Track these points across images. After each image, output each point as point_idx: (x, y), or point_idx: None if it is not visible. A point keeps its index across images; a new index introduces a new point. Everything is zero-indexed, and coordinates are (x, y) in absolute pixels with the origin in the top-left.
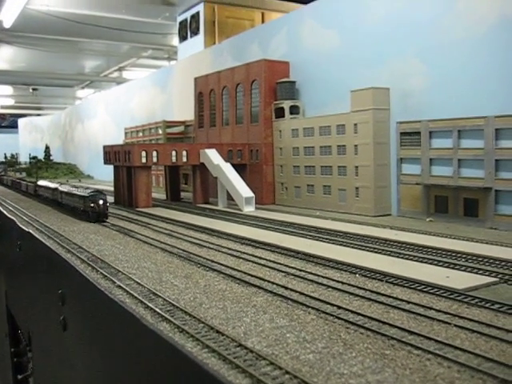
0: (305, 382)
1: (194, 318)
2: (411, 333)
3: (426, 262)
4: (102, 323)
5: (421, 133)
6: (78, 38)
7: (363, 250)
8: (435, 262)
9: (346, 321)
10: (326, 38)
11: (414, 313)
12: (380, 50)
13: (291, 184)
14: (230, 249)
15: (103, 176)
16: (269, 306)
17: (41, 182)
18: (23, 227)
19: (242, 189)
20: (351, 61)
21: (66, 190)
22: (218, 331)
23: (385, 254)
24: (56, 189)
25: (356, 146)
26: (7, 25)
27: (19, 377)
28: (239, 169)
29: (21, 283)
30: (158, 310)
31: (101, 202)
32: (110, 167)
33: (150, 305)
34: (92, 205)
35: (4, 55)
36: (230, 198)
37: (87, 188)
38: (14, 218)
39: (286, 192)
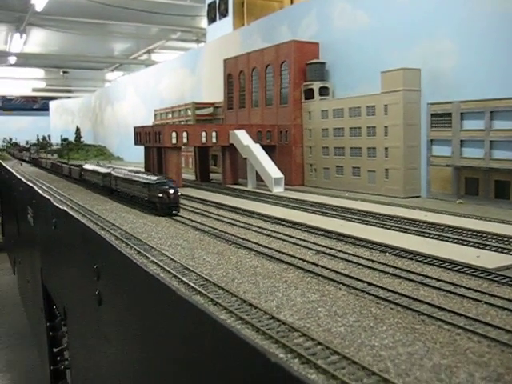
0: (336, 352)
1: (227, 291)
2: (441, 309)
3: (455, 243)
4: (138, 296)
5: (452, 114)
6: (108, 21)
7: (393, 230)
8: (465, 243)
9: (376, 296)
10: (357, 18)
11: (444, 290)
12: (411, 31)
13: (320, 165)
14: (260, 227)
15: (133, 158)
16: (300, 281)
17: (88, 166)
18: (58, 205)
19: (272, 169)
20: (382, 42)
21: (122, 175)
22: (250, 304)
23: (414, 235)
24: (109, 174)
25: (386, 127)
26: (39, 8)
27: (55, 350)
28: (268, 150)
29: (56, 260)
30: (191, 284)
31: (171, 190)
32: (140, 149)
33: (183, 279)
34: (160, 195)
35: (36, 39)
36: (259, 178)
37: (147, 173)
38: (49, 197)
39: (314, 173)
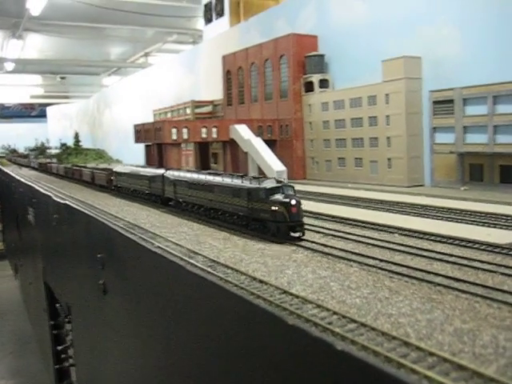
0: (353, 321)
1: (236, 270)
2: (457, 280)
3: (465, 223)
4: (145, 281)
5: (454, 101)
6: (104, 25)
7: (400, 214)
8: (475, 223)
9: (389, 271)
10: (355, 9)
11: (458, 264)
12: (411, 19)
13: (322, 158)
14: None
15: (132, 160)
16: (310, 261)
17: (120, 168)
18: (59, 200)
19: (274, 163)
20: (381, 31)
21: (187, 178)
22: (261, 281)
23: (422, 217)
24: (159, 178)
25: (388, 116)
26: (35, 13)
27: (59, 348)
28: (269, 144)
29: (58, 256)
30: (199, 265)
31: (293, 202)
32: (139, 151)
33: (190, 261)
34: (275, 208)
35: (33, 44)
36: (260, 173)
37: (231, 174)
38: (50, 193)
39: (316, 166)
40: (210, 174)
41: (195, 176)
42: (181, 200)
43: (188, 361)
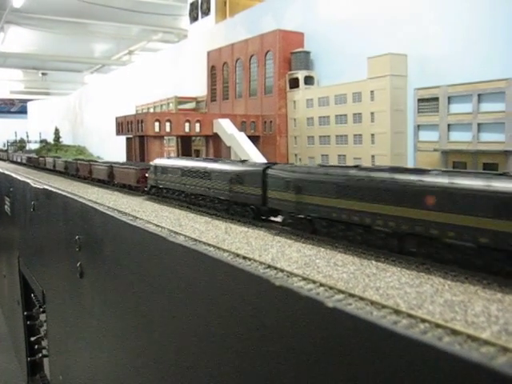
0: (341, 291)
1: (219, 248)
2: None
3: None
4: (124, 257)
5: (439, 98)
6: (89, 20)
7: None
8: None
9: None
10: (341, 6)
11: None
12: (397, 17)
13: (305, 155)
14: None
15: (112, 157)
16: (294, 242)
17: (163, 162)
18: (37, 186)
19: (257, 158)
20: (368, 29)
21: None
22: (244, 257)
23: None
24: (261, 174)
25: (372, 113)
26: (17, 5)
27: (32, 339)
28: (252, 140)
29: (35, 242)
30: (179, 242)
31: None
32: (120, 147)
33: (170, 239)
34: None
35: (14, 37)
36: None
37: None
38: (28, 180)
39: (300, 163)
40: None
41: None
42: (316, 216)
43: (174, 345)
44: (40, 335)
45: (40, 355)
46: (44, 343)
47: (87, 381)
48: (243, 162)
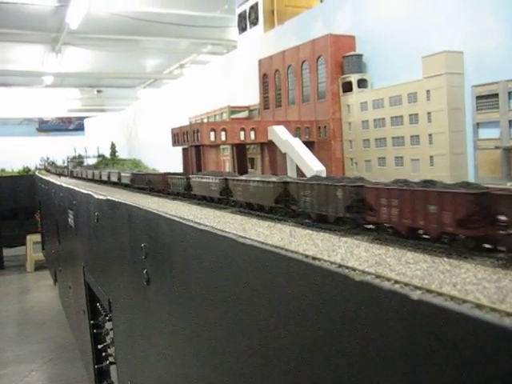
0: (417, 287)
1: (286, 250)
2: None
3: None
4: (191, 263)
5: (499, 94)
6: (140, 37)
7: None
8: None
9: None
10: (393, 6)
11: None
12: (452, 12)
13: (361, 158)
14: None
15: (167, 169)
16: (361, 242)
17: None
18: (100, 197)
19: (313, 162)
20: (421, 26)
21: None
22: (314, 258)
23: None
24: None
25: (429, 113)
26: (74, 26)
27: (99, 347)
28: (308, 146)
29: (100, 252)
30: (250, 243)
31: None
32: (176, 159)
33: (240, 241)
34: None
35: (71, 57)
36: (299, 174)
37: None
38: (91, 192)
39: (355, 167)
40: None
41: None
42: None
43: (249, 352)
44: (106, 343)
45: (107, 362)
46: (110, 350)
47: None
48: None
